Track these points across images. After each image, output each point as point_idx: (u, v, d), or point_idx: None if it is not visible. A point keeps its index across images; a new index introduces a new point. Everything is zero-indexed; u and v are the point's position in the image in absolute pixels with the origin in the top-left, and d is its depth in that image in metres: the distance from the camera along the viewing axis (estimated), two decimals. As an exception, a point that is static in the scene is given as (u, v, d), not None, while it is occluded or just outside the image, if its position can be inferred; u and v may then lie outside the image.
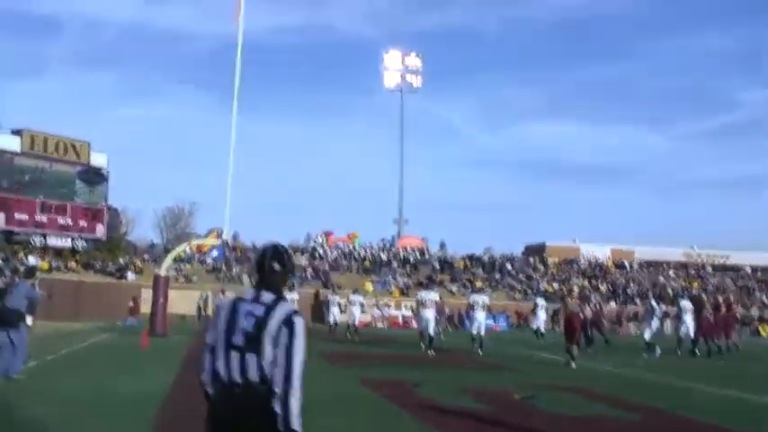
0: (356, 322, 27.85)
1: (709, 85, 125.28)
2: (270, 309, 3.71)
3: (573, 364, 17.34)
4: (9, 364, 11.68)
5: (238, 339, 3.69)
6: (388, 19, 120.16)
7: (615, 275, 55.58)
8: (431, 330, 21.05)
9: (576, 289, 27.47)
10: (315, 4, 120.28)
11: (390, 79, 62.86)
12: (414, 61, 63.05)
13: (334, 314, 29.83)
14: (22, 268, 17.41)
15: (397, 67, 62.68)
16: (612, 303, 48.84)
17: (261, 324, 3.66)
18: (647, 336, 22.67)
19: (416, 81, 62.94)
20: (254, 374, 3.63)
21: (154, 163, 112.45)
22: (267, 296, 3.77)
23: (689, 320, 22.74)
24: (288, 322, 3.67)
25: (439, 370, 15.72)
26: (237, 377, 3.66)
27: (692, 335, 22.84)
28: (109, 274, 42.64)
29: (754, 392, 12.91)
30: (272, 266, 3.87)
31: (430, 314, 21.03)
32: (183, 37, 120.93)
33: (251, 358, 3.64)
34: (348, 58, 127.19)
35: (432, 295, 22.42)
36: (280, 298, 3.80)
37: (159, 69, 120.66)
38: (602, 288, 52.05)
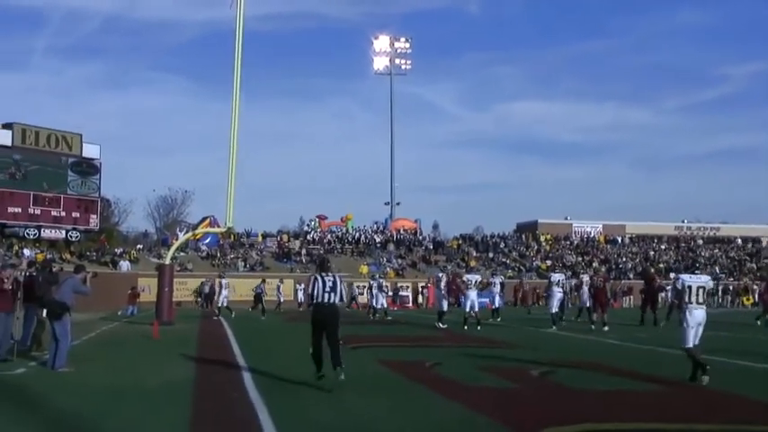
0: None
1: (693, 60, 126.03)
2: (335, 276, 10.39)
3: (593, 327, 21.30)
4: (52, 358, 11.85)
5: (329, 287, 10.12)
6: (373, 3, 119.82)
7: (607, 251, 56.08)
8: (476, 307, 22.61)
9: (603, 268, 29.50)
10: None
11: (380, 63, 62.83)
12: (402, 45, 62.98)
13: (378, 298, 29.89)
14: (37, 262, 17.48)
15: (386, 50, 62.60)
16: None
17: (335, 282, 10.23)
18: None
19: (405, 64, 62.95)
20: (334, 300, 10.13)
21: (143, 152, 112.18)
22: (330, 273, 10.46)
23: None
24: (341, 280, 10.48)
25: (454, 349, 15.90)
26: (327, 301, 10.04)
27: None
28: (104, 264, 42.64)
29: (733, 357, 13.23)
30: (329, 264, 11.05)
31: (473, 294, 22.55)
32: (167, 25, 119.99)
33: (334, 295, 10.12)
34: (336, 44, 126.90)
35: (474, 276, 24.23)
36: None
37: (145, 58, 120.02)
38: (596, 263, 52.57)
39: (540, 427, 7.33)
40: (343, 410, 8.55)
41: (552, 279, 23.76)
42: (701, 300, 10.55)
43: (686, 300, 10.54)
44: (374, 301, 29.60)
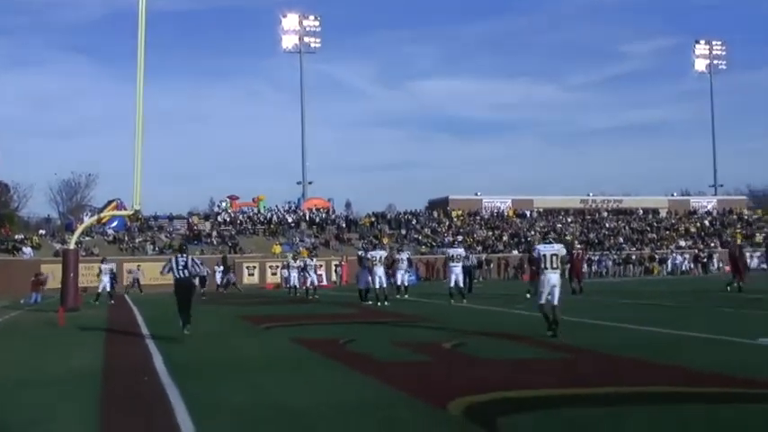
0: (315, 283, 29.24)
1: (599, 37, 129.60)
2: (188, 257, 14.42)
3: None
4: None
5: (182, 265, 14.08)
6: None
7: (516, 225, 57.32)
8: (384, 284, 23.05)
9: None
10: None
11: (288, 42, 62.18)
12: (311, 23, 62.48)
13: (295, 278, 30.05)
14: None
15: (294, 29, 62.01)
16: (515, 252, 50.55)
17: (187, 261, 14.21)
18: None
19: (315, 42, 62.52)
20: (187, 275, 14.20)
21: (44, 135, 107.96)
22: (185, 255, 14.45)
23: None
24: (192, 260, 14.56)
25: (365, 326, 15.99)
26: (184, 276, 14.11)
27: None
28: (4, 251, 41.06)
29: (641, 324, 13.80)
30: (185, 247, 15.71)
31: (380, 271, 22.90)
32: (67, 3, 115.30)
33: (186, 271, 14.12)
34: (245, 22, 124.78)
35: (379, 253, 24.34)
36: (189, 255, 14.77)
37: (44, 37, 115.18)
38: (505, 237, 53.73)
39: (452, 397, 7.45)
40: (257, 390, 8.48)
41: (449, 254, 23.44)
42: (555, 266, 12.20)
43: (543, 266, 12.21)
44: (294, 281, 29.68)
